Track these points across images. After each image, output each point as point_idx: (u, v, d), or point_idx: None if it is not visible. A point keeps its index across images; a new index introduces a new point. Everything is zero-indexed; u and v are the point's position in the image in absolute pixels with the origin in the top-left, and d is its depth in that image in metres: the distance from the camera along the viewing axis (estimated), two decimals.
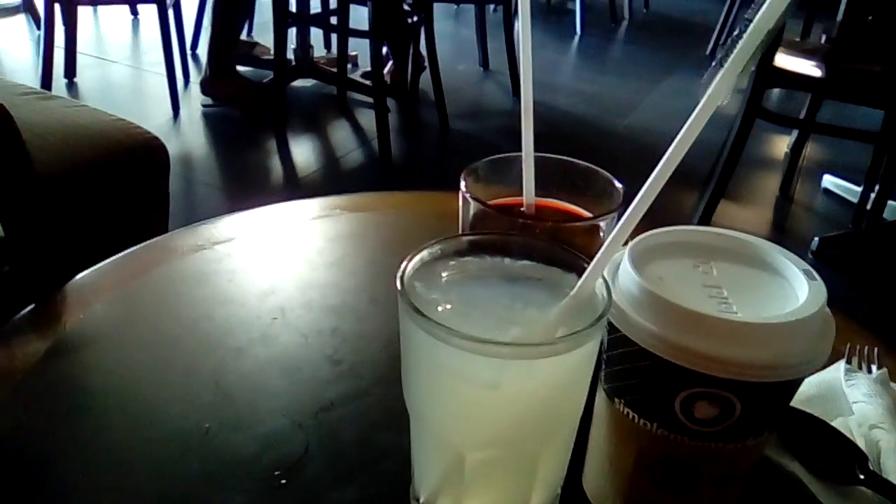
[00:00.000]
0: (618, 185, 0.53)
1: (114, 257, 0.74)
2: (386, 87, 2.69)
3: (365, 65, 3.31)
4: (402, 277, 0.40)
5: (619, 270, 0.44)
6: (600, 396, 0.46)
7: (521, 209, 0.54)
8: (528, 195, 0.55)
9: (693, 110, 0.39)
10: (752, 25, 0.36)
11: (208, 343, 0.63)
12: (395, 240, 0.81)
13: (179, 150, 2.68)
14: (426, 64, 3.08)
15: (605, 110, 3.29)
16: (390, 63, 3.12)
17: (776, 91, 3.21)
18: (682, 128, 0.39)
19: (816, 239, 2.30)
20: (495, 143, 3.02)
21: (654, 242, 0.45)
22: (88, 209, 1.06)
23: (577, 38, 4.32)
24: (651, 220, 0.41)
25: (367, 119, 2.99)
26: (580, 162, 0.56)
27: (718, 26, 4.07)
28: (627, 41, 4.51)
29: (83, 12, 3.57)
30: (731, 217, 2.46)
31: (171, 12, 2.99)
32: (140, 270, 0.72)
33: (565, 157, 0.57)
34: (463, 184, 0.53)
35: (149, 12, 3.75)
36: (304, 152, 2.82)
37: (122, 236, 1.28)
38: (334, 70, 3.15)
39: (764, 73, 2.16)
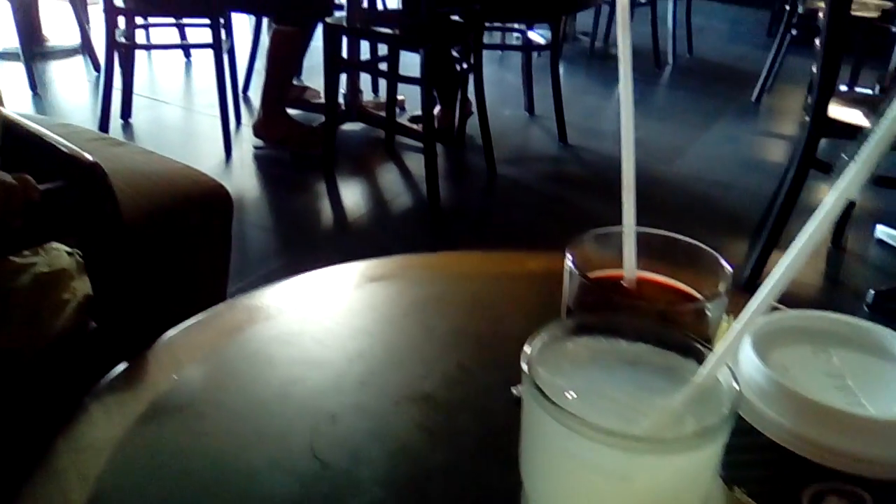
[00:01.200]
0: (725, 265, 0.53)
1: (200, 316, 0.75)
2: (435, 132, 2.72)
3: (412, 109, 3.36)
4: (528, 363, 0.40)
5: (738, 356, 0.43)
6: (716, 482, 0.46)
7: (623, 283, 0.55)
8: (630, 270, 0.55)
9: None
10: (887, 122, 0.36)
11: (301, 408, 0.63)
12: (473, 303, 0.82)
13: (231, 191, 2.71)
14: (473, 109, 3.12)
15: (651, 156, 3.28)
16: (438, 108, 3.15)
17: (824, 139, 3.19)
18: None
19: (872, 292, 2.26)
20: (542, 188, 3.03)
21: (773, 328, 0.45)
22: (163, 259, 1.08)
23: None
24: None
25: (415, 163, 3.02)
26: (683, 238, 0.56)
27: (764, 72, 4.06)
28: (672, 86, 4.51)
29: (139, 54, 3.67)
30: None
31: (224, 56, 3.06)
32: (227, 330, 0.73)
33: (668, 233, 0.57)
34: (568, 257, 0.53)
35: (201, 54, 3.85)
36: (352, 195, 2.85)
37: (191, 284, 1.30)
38: (382, 114, 3.20)
39: (818, 124, 2.15)
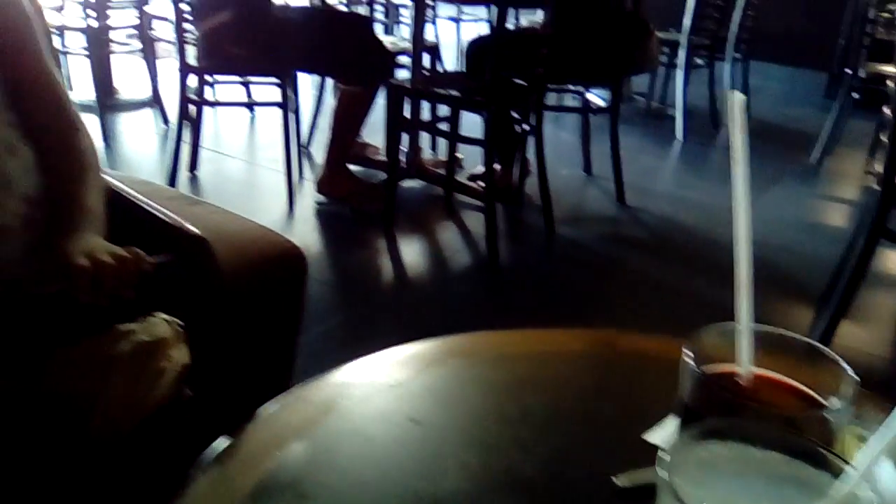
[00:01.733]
0: (849, 371, 0.52)
1: (294, 390, 0.76)
2: (495, 193, 2.74)
3: (470, 167, 3.40)
4: (668, 471, 0.40)
5: (876, 471, 0.43)
6: None
7: (740, 381, 0.54)
8: (745, 367, 0.55)
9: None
10: None
11: (403, 491, 0.64)
12: (561, 383, 0.82)
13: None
14: (532, 168, 3.14)
15: (708, 219, 3.25)
16: (497, 167, 3.18)
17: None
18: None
19: None
20: (601, 249, 3.03)
21: None
22: (246, 323, 1.10)
23: (677, 143, 4.33)
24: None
25: (474, 221, 3.04)
26: (801, 338, 0.56)
27: (823, 135, 4.02)
28: (729, 148, 4.49)
29: (206, 108, 3.79)
30: (852, 338, 2.37)
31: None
32: (323, 406, 0.74)
33: (786, 332, 0.56)
34: (686, 353, 0.54)
35: (265, 109, 3.97)
36: (412, 252, 2.88)
37: (266, 346, 1.32)
38: (441, 172, 3.24)
39: (889, 194, 2.11)
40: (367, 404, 0.75)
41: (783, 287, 2.68)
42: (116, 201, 1.00)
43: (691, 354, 0.54)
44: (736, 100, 0.57)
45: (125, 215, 0.98)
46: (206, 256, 0.90)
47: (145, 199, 0.99)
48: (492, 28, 5.60)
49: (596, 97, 3.57)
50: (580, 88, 3.60)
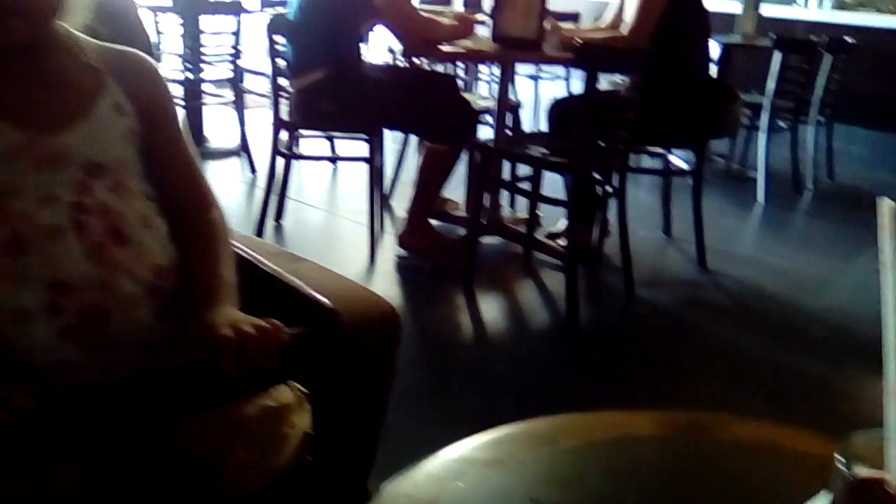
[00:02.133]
0: None
1: (419, 466, 0.78)
2: (576, 253, 2.75)
3: (548, 225, 3.41)
4: None
5: None
6: None
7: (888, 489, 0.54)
8: (894, 476, 0.55)
9: None
10: None
11: None
12: (667, 473, 0.81)
13: None
14: (611, 229, 3.14)
15: (793, 286, 3.19)
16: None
17: None
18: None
19: None
20: (681, 313, 2.99)
21: None
22: (354, 386, 1.12)
23: (758, 206, 4.27)
24: None
25: (552, 279, 3.04)
26: None
27: None
28: (813, 212, 4.41)
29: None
30: None
31: None
32: (445, 484, 0.75)
33: None
34: (839, 458, 0.54)
35: (349, 163, 4.08)
36: (491, 309, 2.90)
37: (365, 408, 1.34)
38: (520, 229, 3.26)
39: None
40: (487, 483, 0.76)
41: (873, 358, 2.58)
42: (246, 267, 1.05)
43: (843, 460, 0.54)
44: (885, 206, 0.57)
45: (252, 279, 1.02)
46: (338, 328, 0.93)
47: (276, 268, 1.04)
48: (567, 85, 5.69)
49: (677, 159, 3.57)
50: (661, 150, 3.60)
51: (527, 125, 4.67)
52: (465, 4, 5.41)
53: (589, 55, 2.46)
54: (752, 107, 4.35)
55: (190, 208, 1.01)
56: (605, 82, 3.96)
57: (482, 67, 5.21)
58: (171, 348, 0.91)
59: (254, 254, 1.24)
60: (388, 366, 1.46)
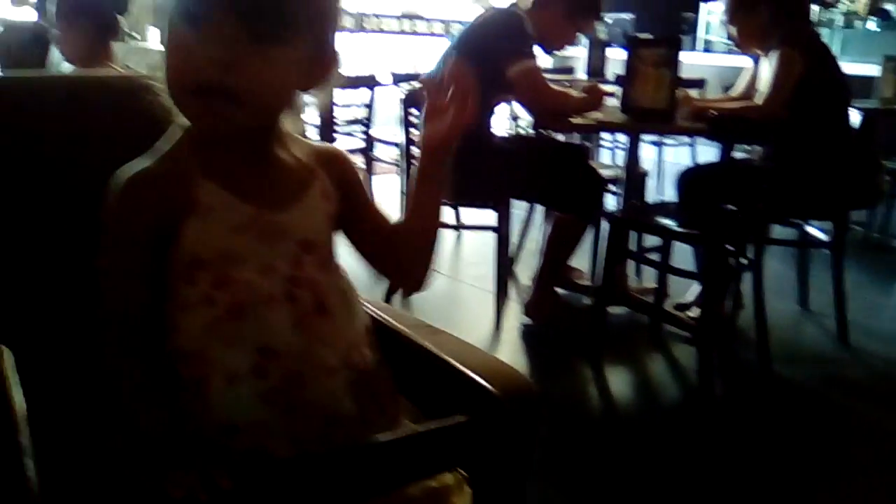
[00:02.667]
0: None
1: None
2: (711, 328, 2.67)
3: (676, 295, 3.33)
4: None
5: None
6: None
7: None
8: None
9: None
10: None
11: None
12: None
13: None
14: (744, 302, 3.04)
15: None
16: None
17: None
18: None
19: None
20: (822, 393, 2.83)
21: None
22: (502, 466, 1.12)
23: None
24: None
25: (682, 352, 2.96)
26: None
27: None
28: None
29: None
30: None
31: None
32: None
33: None
34: None
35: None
36: (619, 381, 2.84)
37: (508, 489, 1.33)
38: (648, 300, 3.20)
39: None
40: None
41: None
42: (391, 338, 1.08)
43: None
44: None
45: (398, 350, 1.07)
46: (499, 414, 0.94)
47: (432, 348, 1.06)
48: (693, 152, 5.60)
49: (814, 228, 3.43)
50: (799, 220, 3.47)
51: (651, 192, 4.61)
52: (589, 72, 5.47)
53: (723, 127, 2.43)
54: (894, 174, 4.15)
55: (389, 229, 1.11)
56: (737, 150, 3.89)
57: (604, 134, 5.22)
58: (356, 424, 0.95)
59: (398, 324, 1.27)
60: (532, 445, 1.46)
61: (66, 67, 3.15)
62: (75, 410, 0.98)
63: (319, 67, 0.93)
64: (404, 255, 1.10)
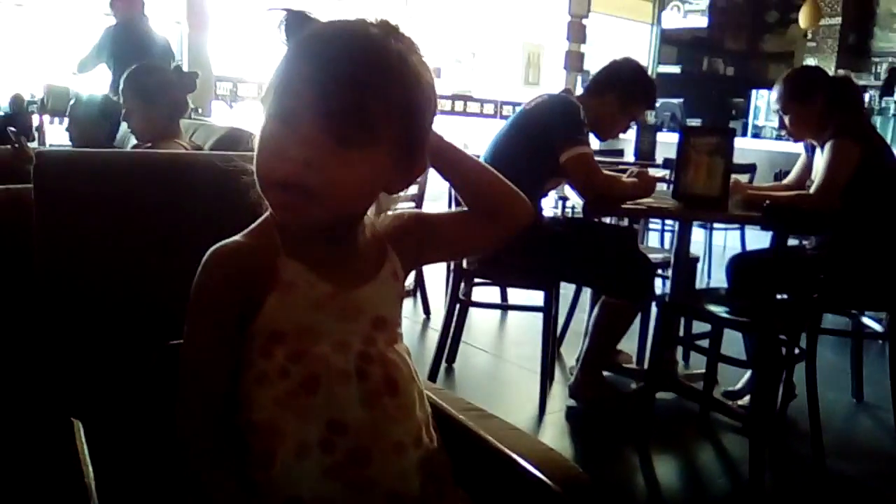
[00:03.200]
0: None
1: None
2: (762, 419, 2.62)
3: (725, 383, 3.28)
4: None
5: None
6: None
7: None
8: None
9: None
10: None
11: None
12: None
13: None
14: (796, 392, 2.98)
15: None
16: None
17: None
18: None
19: None
20: (880, 490, 2.74)
21: None
22: None
23: None
24: None
25: (731, 442, 2.90)
26: None
27: None
28: None
29: None
30: None
31: None
32: None
33: None
34: None
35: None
36: (667, 469, 2.78)
37: None
38: (696, 386, 3.15)
39: None
40: None
41: None
42: (454, 429, 1.10)
43: None
44: None
45: (457, 441, 1.08)
46: None
47: (490, 438, 1.08)
48: (742, 236, 5.57)
49: (869, 319, 3.38)
50: (853, 310, 3.42)
51: (699, 275, 4.59)
52: (637, 156, 5.53)
53: (777, 216, 2.43)
54: None
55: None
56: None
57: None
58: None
59: (449, 408, 1.28)
60: None
61: (135, 143, 3.29)
62: (143, 481, 1.01)
63: (403, 170, 0.96)
64: (489, 209, 1.09)
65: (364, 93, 0.87)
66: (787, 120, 3.15)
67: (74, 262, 1.20)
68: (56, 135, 5.49)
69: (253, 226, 0.99)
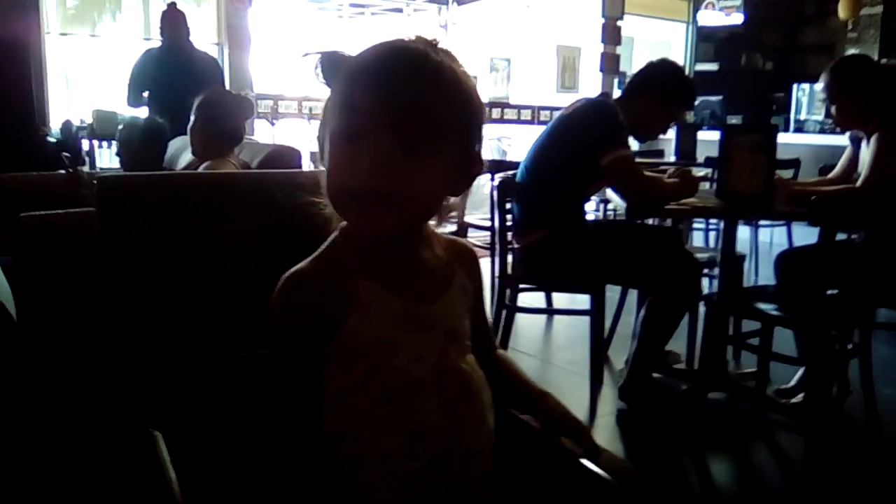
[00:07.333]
0: None
1: None
2: (819, 418, 2.59)
3: (777, 381, 3.24)
4: None
5: None
6: None
7: None
8: None
9: None
10: None
11: None
12: None
13: None
14: (852, 388, 2.94)
15: None
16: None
17: None
18: None
19: None
20: None
21: None
22: None
23: None
24: None
25: (786, 440, 2.87)
26: None
27: None
28: None
29: None
30: None
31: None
32: None
33: None
34: None
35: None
36: (721, 471, 2.76)
37: None
38: (747, 385, 3.13)
39: None
40: None
41: None
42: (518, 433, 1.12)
43: None
44: None
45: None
46: None
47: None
48: (789, 232, 5.49)
49: None
50: None
51: (746, 273, 4.54)
52: (678, 155, 5.49)
53: (824, 211, 2.41)
54: None
55: (489, 349, 1.17)
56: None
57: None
58: None
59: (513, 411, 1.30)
60: None
61: (183, 161, 3.39)
62: (225, 486, 1.05)
63: (465, 172, 1.02)
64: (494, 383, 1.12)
65: (429, 103, 0.93)
66: (833, 110, 3.11)
67: (140, 282, 1.25)
68: (105, 159, 5.66)
69: (322, 248, 1.03)
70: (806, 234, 4.67)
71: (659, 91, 3.04)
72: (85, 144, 5.33)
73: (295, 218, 1.03)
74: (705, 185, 3.10)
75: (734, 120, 7.41)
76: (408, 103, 0.92)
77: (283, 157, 3.13)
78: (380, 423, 0.96)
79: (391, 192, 0.92)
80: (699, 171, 3.65)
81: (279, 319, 0.98)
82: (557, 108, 3.23)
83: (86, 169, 4.44)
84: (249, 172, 2.45)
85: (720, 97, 7.53)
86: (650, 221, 3.96)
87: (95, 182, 1.32)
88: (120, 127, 3.88)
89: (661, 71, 3.11)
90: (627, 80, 3.24)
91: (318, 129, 1.01)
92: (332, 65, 0.98)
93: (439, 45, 0.98)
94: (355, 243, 1.01)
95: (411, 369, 0.97)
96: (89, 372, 1.22)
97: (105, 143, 5.49)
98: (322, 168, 1.00)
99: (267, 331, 0.98)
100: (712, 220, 5.42)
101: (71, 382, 1.30)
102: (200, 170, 2.86)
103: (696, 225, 5.49)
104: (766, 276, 4.52)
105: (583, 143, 2.90)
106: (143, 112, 5.01)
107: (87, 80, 7.04)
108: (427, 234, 1.06)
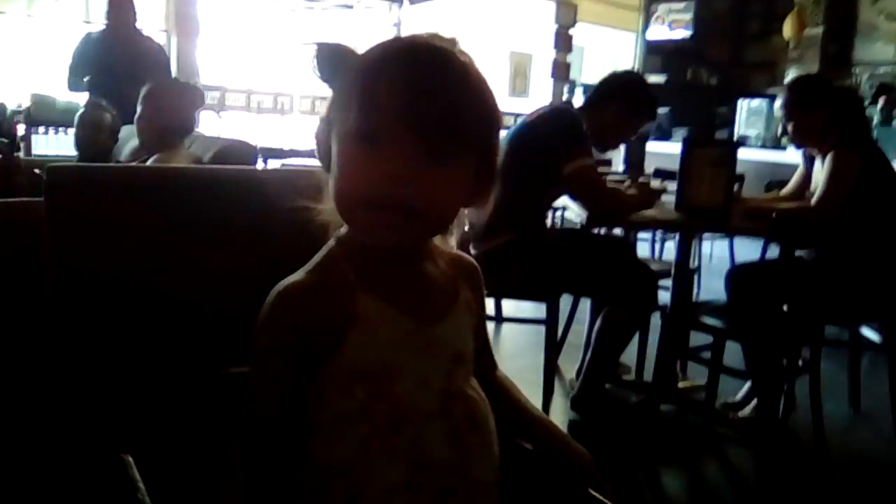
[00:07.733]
0: None
1: None
2: (767, 432, 2.62)
3: (724, 394, 3.28)
4: None
5: None
6: None
7: None
8: None
9: None
10: None
11: None
12: None
13: None
14: (797, 404, 2.99)
15: None
16: (755, 400, 3.07)
17: None
18: None
19: None
20: (879, 498, 2.75)
21: None
22: None
23: None
24: None
25: (734, 453, 2.90)
26: None
27: None
28: None
29: None
30: None
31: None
32: None
33: None
34: None
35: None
36: (674, 481, 2.77)
37: None
38: (697, 397, 3.16)
39: None
40: None
41: None
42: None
43: None
44: None
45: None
46: None
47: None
48: (731, 247, 5.58)
49: (868, 329, 3.39)
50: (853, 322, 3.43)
51: (697, 286, 4.59)
52: (627, 166, 5.53)
53: (785, 229, 2.43)
54: None
55: (489, 370, 1.11)
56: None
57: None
58: None
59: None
60: None
61: (127, 152, 3.25)
62: None
63: (482, 183, 0.93)
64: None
65: (457, 106, 0.85)
66: (789, 127, 3.15)
67: (93, 285, 1.11)
68: (41, 144, 5.43)
69: (317, 259, 0.94)
70: (749, 248, 4.76)
71: (623, 100, 3.03)
72: (20, 129, 5.09)
73: (283, 223, 0.95)
74: (669, 198, 3.10)
75: (680, 132, 7.53)
76: (436, 104, 0.83)
77: (238, 152, 3.01)
78: (382, 455, 0.87)
79: (411, 200, 0.84)
80: (653, 183, 3.66)
81: (271, 337, 0.89)
82: (509, 114, 3.20)
83: (20, 155, 4.23)
84: (238, 169, 2.34)
85: (667, 109, 7.65)
86: (596, 231, 3.96)
87: (38, 171, 1.20)
88: (81, 112, 3.64)
89: (626, 80, 3.11)
90: (591, 89, 3.22)
91: (318, 127, 0.92)
92: (332, 58, 0.89)
93: (459, 44, 0.90)
94: (356, 255, 0.92)
95: (416, 395, 0.89)
96: (36, 390, 1.10)
97: (41, 129, 5.25)
98: (313, 169, 0.92)
99: (253, 349, 0.89)
100: (658, 232, 5.48)
101: (15, 404, 1.18)
102: (149, 163, 2.73)
103: (641, 236, 5.52)
104: (710, 289, 4.59)
105: (545, 150, 2.88)
106: (83, 97, 4.79)
107: (22, 62, 6.73)
108: (430, 248, 0.98)
